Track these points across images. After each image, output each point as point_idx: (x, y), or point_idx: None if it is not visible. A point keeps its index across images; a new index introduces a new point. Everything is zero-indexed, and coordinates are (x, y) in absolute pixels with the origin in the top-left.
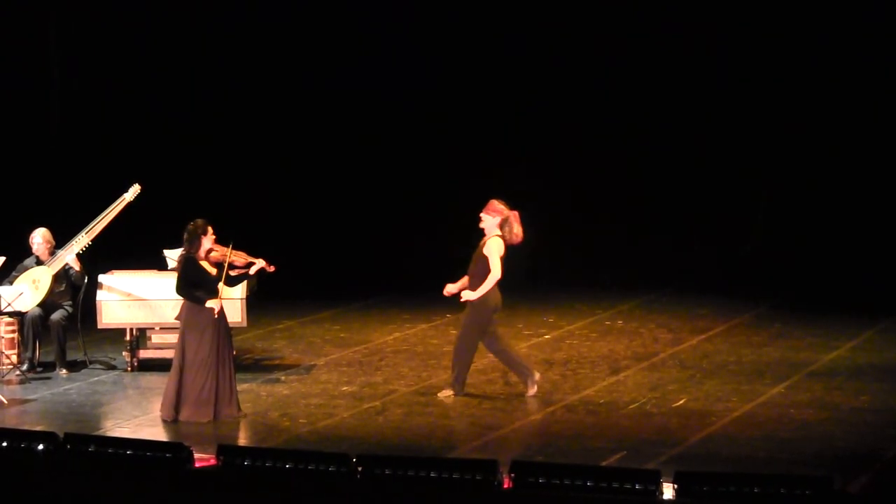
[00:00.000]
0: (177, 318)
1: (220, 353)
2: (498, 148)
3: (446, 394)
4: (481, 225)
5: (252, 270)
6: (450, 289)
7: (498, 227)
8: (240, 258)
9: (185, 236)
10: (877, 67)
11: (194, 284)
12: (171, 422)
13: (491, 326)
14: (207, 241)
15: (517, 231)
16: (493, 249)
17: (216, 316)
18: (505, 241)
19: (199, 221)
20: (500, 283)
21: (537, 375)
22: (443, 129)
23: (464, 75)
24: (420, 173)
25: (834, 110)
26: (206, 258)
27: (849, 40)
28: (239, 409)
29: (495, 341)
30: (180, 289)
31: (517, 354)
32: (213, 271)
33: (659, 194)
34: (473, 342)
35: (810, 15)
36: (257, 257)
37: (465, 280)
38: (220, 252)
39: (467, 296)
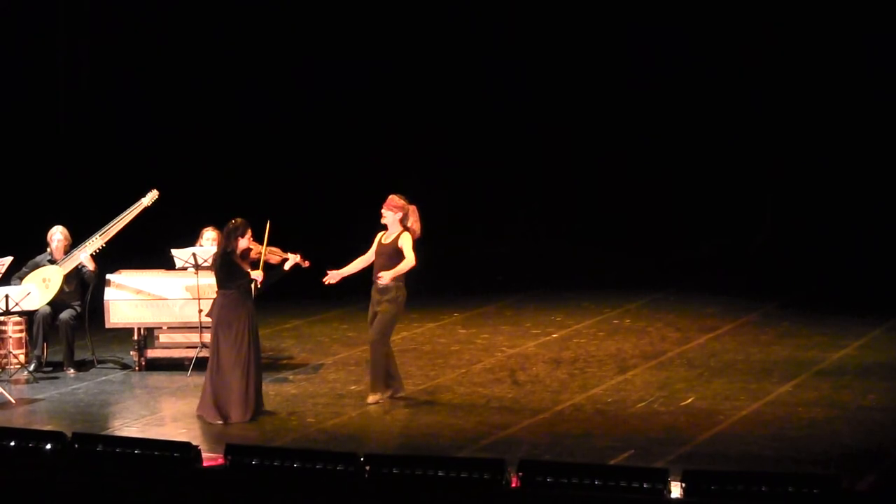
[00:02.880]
0: (207, 315)
1: (254, 352)
2: (499, 145)
3: (375, 398)
4: (384, 220)
5: (287, 266)
6: (334, 274)
7: (399, 223)
8: (275, 255)
9: (224, 233)
10: (888, 63)
11: (234, 277)
12: (221, 423)
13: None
14: (245, 242)
15: (416, 225)
16: (407, 241)
17: (259, 285)
18: (412, 234)
19: (239, 221)
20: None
21: (387, 394)
22: (447, 129)
23: (475, 69)
24: (423, 173)
25: (841, 108)
26: (241, 256)
27: (857, 33)
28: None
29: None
30: (226, 284)
31: (394, 363)
32: (249, 269)
33: (665, 192)
34: (388, 338)
35: (813, 9)
36: (292, 252)
37: (351, 269)
38: (256, 251)
39: (385, 278)
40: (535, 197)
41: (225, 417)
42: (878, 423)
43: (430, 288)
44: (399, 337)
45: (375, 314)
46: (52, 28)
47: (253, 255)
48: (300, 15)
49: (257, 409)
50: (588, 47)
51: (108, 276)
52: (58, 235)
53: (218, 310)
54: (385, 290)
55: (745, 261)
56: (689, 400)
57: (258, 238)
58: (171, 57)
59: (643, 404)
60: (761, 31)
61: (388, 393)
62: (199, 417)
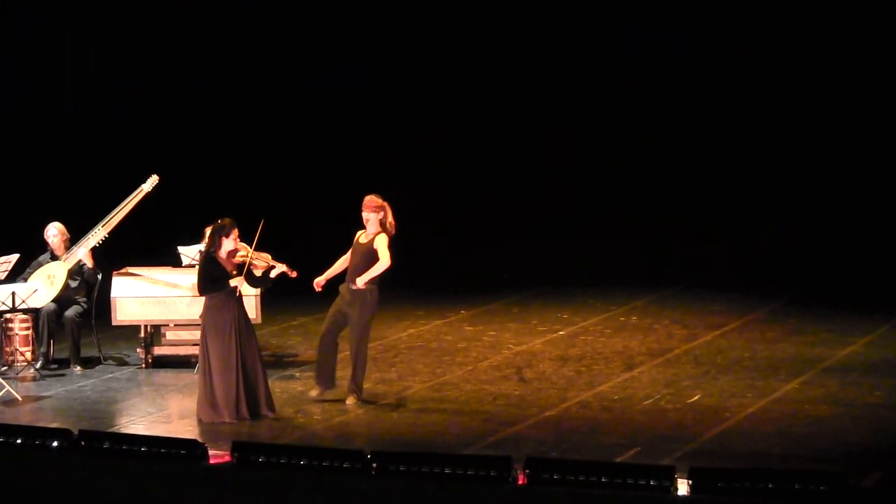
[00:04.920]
0: (200, 317)
1: (244, 353)
2: (505, 142)
3: (352, 401)
4: (366, 223)
5: (273, 274)
6: (319, 280)
7: (379, 223)
8: (261, 261)
9: (209, 233)
10: (890, 60)
11: (214, 280)
12: (208, 423)
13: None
14: (230, 243)
15: (391, 222)
16: (383, 242)
17: (238, 294)
18: (388, 235)
19: (226, 221)
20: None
21: (316, 393)
22: (455, 127)
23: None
24: (427, 172)
25: (848, 105)
26: (228, 259)
27: (860, 36)
28: (273, 408)
29: (337, 335)
30: (202, 288)
31: (335, 361)
32: (234, 271)
33: (672, 190)
34: (367, 340)
35: (812, 9)
36: (280, 261)
37: (333, 270)
38: (243, 254)
39: (361, 283)
40: (541, 194)
41: (220, 417)
42: (884, 420)
43: (435, 285)
44: (405, 334)
45: (344, 314)
46: (54, 28)
47: (239, 258)
48: (306, 13)
49: (254, 410)
50: (593, 42)
51: (114, 274)
52: (52, 231)
53: (205, 312)
54: (360, 293)
55: (752, 258)
56: (696, 397)
57: (251, 235)
58: (175, 55)
59: (650, 401)
60: (762, 31)
61: (321, 390)
62: (199, 420)
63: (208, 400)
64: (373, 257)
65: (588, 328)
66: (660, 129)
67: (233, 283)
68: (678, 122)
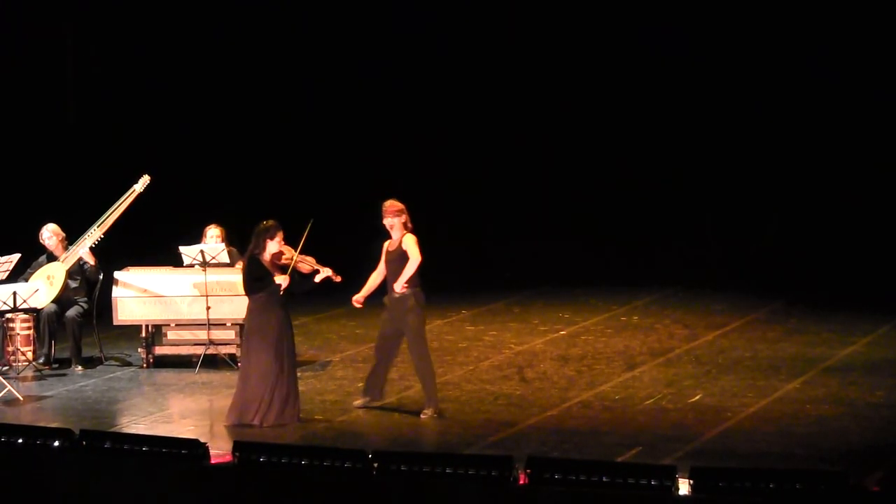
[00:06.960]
0: (244, 320)
1: (284, 358)
2: (507, 142)
3: (428, 413)
4: (392, 229)
5: (318, 278)
6: (358, 297)
7: (402, 227)
8: (306, 264)
9: (253, 234)
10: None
11: (258, 279)
12: (233, 427)
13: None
14: (274, 245)
15: (410, 224)
16: (411, 242)
17: (282, 291)
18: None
19: (271, 223)
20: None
21: (363, 401)
22: (461, 126)
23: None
24: (428, 171)
25: (849, 105)
26: (273, 261)
27: (860, 36)
28: (299, 413)
29: (396, 346)
30: (248, 288)
31: (387, 373)
32: (278, 275)
33: (673, 189)
34: (426, 347)
35: (810, 13)
36: (325, 265)
37: (370, 286)
38: (287, 257)
39: (399, 287)
40: (543, 194)
41: (249, 420)
42: (885, 420)
43: (437, 285)
44: None
45: (395, 325)
46: (56, 28)
47: (284, 260)
48: (305, 13)
49: (286, 414)
50: (595, 42)
51: (115, 274)
52: (46, 233)
53: (248, 315)
54: (402, 299)
55: (753, 258)
56: (697, 397)
57: (298, 235)
58: (175, 55)
59: (651, 401)
60: (761, 31)
61: (367, 400)
62: (228, 423)
63: (241, 402)
64: (405, 259)
65: (589, 328)
66: (661, 129)
67: (278, 280)
68: (680, 123)
